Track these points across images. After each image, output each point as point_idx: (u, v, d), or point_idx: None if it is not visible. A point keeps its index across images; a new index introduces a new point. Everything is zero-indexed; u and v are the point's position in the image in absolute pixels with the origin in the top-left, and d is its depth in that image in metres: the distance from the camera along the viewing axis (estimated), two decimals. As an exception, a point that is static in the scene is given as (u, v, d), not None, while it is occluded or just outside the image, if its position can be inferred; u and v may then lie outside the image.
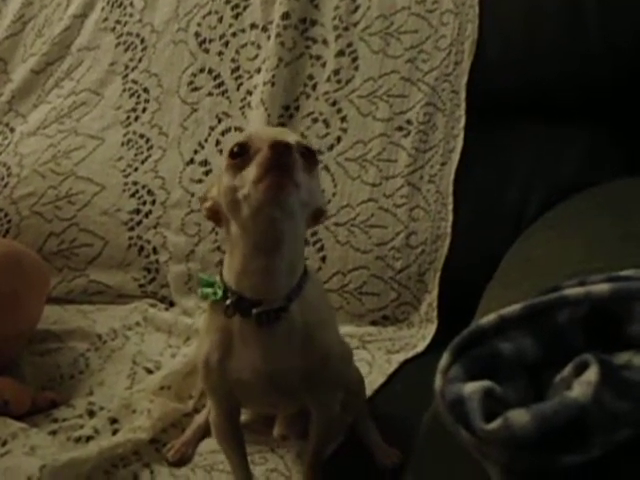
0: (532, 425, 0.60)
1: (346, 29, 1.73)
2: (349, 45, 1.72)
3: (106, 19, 1.93)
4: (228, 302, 1.00)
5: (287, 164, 0.90)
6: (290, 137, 0.97)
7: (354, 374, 1.28)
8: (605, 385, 0.62)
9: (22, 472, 1.15)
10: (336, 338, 1.14)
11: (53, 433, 1.31)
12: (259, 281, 0.99)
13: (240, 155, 0.94)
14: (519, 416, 0.61)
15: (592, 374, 0.62)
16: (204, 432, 1.34)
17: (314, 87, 1.74)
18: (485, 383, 0.64)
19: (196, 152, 1.79)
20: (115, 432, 1.32)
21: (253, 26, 1.80)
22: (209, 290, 1.03)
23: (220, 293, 1.01)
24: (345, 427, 1.25)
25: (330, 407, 1.14)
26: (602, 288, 0.71)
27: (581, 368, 0.65)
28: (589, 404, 0.61)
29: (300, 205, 0.94)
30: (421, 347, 1.52)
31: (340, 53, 1.72)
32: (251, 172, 0.91)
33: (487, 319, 0.71)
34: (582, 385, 0.62)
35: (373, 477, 1.22)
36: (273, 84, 1.73)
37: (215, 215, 1.02)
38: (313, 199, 0.98)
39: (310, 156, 0.97)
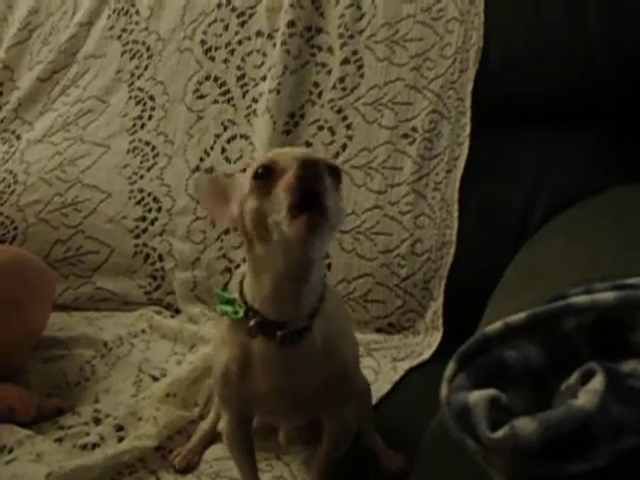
0: (538, 434, 0.60)
1: (351, 37, 1.73)
2: (354, 53, 1.72)
3: (112, 27, 1.94)
4: (252, 323, 0.99)
5: (318, 187, 0.88)
6: (314, 155, 0.95)
7: (361, 381, 1.28)
8: (611, 393, 0.62)
9: (28, 479, 1.16)
10: (354, 345, 1.14)
11: (59, 440, 1.31)
12: (286, 305, 0.98)
13: (265, 177, 0.92)
14: (525, 425, 0.61)
15: (598, 382, 0.62)
16: (210, 439, 1.35)
17: (319, 95, 1.74)
18: (491, 391, 0.64)
19: (202, 159, 1.79)
20: (121, 439, 1.32)
21: (259, 34, 1.81)
22: (229, 309, 1.01)
23: (242, 313, 1.00)
24: (353, 435, 1.24)
25: (344, 417, 1.14)
26: (607, 296, 0.71)
27: (587, 376, 0.65)
28: (595, 412, 0.61)
29: (329, 231, 0.94)
30: (427, 355, 1.52)
31: (345, 61, 1.73)
32: (281, 196, 0.89)
33: (493, 327, 0.71)
34: (588, 393, 0.62)
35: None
36: (279, 92, 1.74)
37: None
38: (339, 219, 0.97)
39: (335, 174, 0.95)
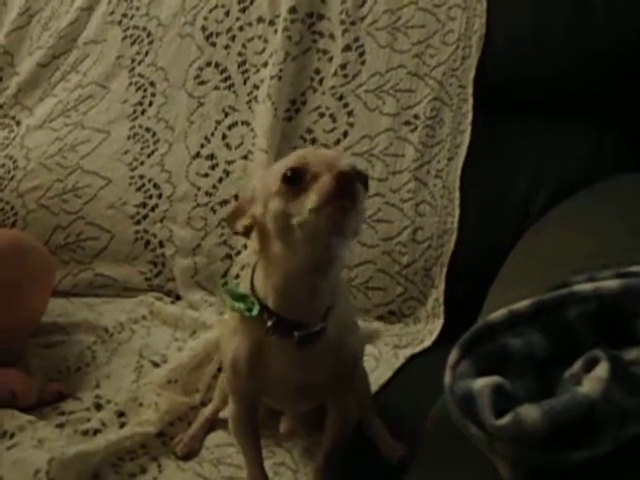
0: (542, 421, 0.60)
1: (353, 23, 1.72)
2: (356, 39, 1.72)
3: (112, 12, 1.92)
4: (269, 324, 0.98)
5: (352, 193, 0.88)
6: (344, 159, 0.94)
7: (361, 369, 1.28)
8: (615, 381, 0.62)
9: (30, 465, 1.16)
10: (362, 339, 1.14)
11: (61, 426, 1.31)
12: (301, 303, 0.98)
13: (295, 181, 0.91)
14: (529, 412, 0.61)
15: (602, 370, 0.63)
16: (211, 426, 1.35)
17: (321, 81, 1.74)
18: (495, 379, 0.65)
19: (202, 146, 1.79)
20: (122, 425, 1.32)
21: (260, 20, 1.80)
22: (242, 306, 1.00)
23: (256, 311, 0.99)
24: (355, 422, 1.24)
25: (349, 408, 1.14)
26: (611, 284, 0.72)
27: (591, 364, 0.65)
28: (599, 400, 0.61)
29: (355, 230, 0.93)
30: (428, 342, 1.53)
31: (347, 47, 1.72)
32: (311, 199, 0.88)
33: (496, 315, 0.71)
34: (592, 381, 0.62)
35: (379, 471, 1.22)
36: (280, 78, 1.73)
37: (248, 231, 1.00)
38: (362, 221, 0.97)
39: (363, 180, 0.94)
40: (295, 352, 1.00)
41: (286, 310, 0.98)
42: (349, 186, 0.88)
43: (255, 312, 0.99)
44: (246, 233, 1.00)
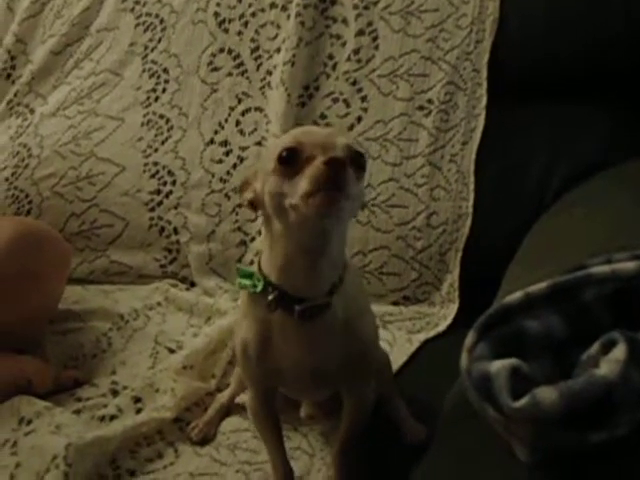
0: (560, 403, 0.60)
1: (366, 8, 1.72)
2: (369, 24, 1.71)
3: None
4: (270, 297, 0.99)
5: (341, 182, 0.88)
6: (340, 140, 0.94)
7: (380, 356, 1.27)
8: (633, 363, 0.62)
9: (48, 450, 1.17)
10: (373, 325, 1.14)
11: (77, 412, 1.32)
12: (303, 279, 0.98)
13: (289, 161, 0.92)
14: (547, 394, 0.61)
15: (620, 352, 0.62)
16: (227, 411, 1.36)
17: (334, 67, 1.73)
18: (512, 361, 0.65)
19: (216, 132, 1.79)
20: (139, 411, 1.32)
21: (273, 5, 1.80)
22: (248, 282, 1.01)
23: (260, 286, 1.00)
24: (371, 410, 1.23)
25: (365, 395, 1.14)
26: (628, 266, 0.71)
27: (608, 346, 0.65)
28: (617, 382, 0.61)
29: (349, 212, 0.94)
30: (442, 327, 1.52)
31: (360, 32, 1.72)
32: (302, 184, 0.89)
33: (513, 297, 0.71)
34: (610, 363, 0.62)
35: (399, 454, 1.21)
36: (293, 64, 1.73)
37: (254, 205, 1.01)
38: (359, 202, 0.97)
39: (359, 160, 0.95)
40: (300, 330, 1.00)
41: (288, 285, 0.98)
42: (338, 174, 0.88)
43: (259, 287, 1.00)
44: (254, 207, 1.01)
